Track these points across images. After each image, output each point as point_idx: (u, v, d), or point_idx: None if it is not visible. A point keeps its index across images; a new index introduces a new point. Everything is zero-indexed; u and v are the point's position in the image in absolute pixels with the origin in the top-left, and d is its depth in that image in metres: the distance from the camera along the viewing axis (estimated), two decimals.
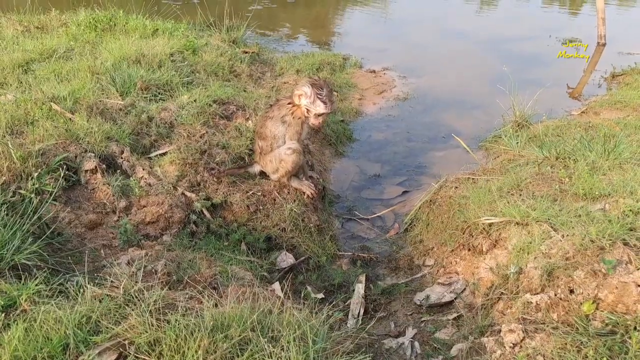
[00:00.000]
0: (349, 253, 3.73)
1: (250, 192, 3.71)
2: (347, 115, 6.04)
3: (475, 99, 6.61)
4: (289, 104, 3.60)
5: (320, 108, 3.52)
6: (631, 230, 2.70)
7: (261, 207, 3.68)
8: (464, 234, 3.31)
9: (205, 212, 3.54)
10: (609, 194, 3.11)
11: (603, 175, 3.34)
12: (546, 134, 4.90)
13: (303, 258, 3.56)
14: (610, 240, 2.52)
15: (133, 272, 2.70)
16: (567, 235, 2.76)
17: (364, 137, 5.70)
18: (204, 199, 3.54)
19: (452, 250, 3.41)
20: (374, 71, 7.55)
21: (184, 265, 2.83)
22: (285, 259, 3.50)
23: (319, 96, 3.48)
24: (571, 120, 5.35)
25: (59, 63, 4.77)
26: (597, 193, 3.13)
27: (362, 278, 3.43)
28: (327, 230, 3.88)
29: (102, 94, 4.19)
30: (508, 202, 3.20)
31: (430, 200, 4.02)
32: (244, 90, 5.53)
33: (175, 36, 6.25)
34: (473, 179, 4.04)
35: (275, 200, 3.75)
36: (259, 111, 4.56)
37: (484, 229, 3.17)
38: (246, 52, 7.21)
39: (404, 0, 12.52)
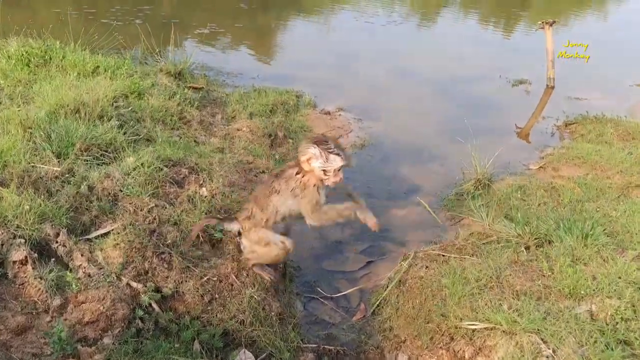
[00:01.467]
0: (314, 345, 3.37)
1: (205, 278, 3.28)
2: None
3: (433, 148, 6.46)
4: (297, 174, 3.29)
5: (337, 161, 3.22)
6: (626, 343, 2.53)
7: (217, 296, 3.26)
8: (442, 335, 3.04)
9: (154, 305, 3.08)
10: (594, 293, 2.95)
11: (584, 266, 3.18)
12: (510, 197, 4.78)
13: (264, 356, 3.16)
14: None
15: None
16: (559, 351, 2.54)
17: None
18: (152, 291, 3.09)
19: (428, 348, 3.13)
20: (328, 112, 7.28)
21: None
22: (245, 359, 3.09)
23: (330, 150, 3.19)
24: (532, 179, 5.27)
25: None
26: (582, 292, 2.96)
27: None
28: (290, 317, 3.51)
29: (36, 155, 3.63)
30: (490, 302, 2.97)
31: (400, 281, 3.74)
32: (195, 141, 5.08)
33: (118, 75, 5.70)
34: (444, 256, 3.81)
35: (232, 285, 3.35)
36: (214, 174, 4.14)
37: (465, 333, 2.91)
38: (194, 88, 6.77)
39: (345, 30, 12.33)
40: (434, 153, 6.37)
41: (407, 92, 8.46)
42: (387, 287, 3.76)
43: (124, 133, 4.35)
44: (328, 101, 7.73)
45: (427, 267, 3.73)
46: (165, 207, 3.55)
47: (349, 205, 3.47)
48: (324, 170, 3.22)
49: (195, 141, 5.05)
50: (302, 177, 3.27)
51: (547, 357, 2.55)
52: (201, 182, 3.93)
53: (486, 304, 2.96)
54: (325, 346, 3.38)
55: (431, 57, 10.47)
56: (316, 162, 3.19)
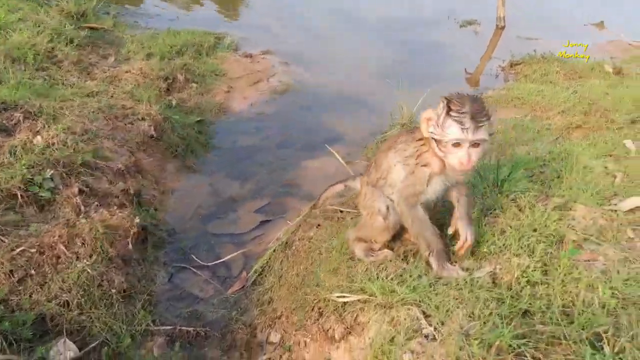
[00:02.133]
0: (168, 327, 2.71)
1: (18, 250, 2.54)
2: (207, 113, 4.93)
3: (364, 95, 5.73)
4: (419, 139, 2.26)
5: (453, 131, 2.02)
6: (527, 315, 1.93)
7: (34, 272, 2.53)
8: (312, 310, 2.40)
9: None
10: (500, 251, 2.33)
11: (494, 218, 2.55)
12: None
13: (92, 345, 2.48)
14: (499, 354, 1.70)
15: None
16: (443, 327, 1.92)
17: (226, 143, 4.64)
18: None
19: (302, 326, 2.50)
20: (250, 55, 6.44)
21: None
22: (64, 352, 2.40)
23: (453, 113, 2.03)
24: None
25: None
26: (485, 250, 2.33)
27: None
28: (142, 292, 2.82)
29: None
30: (370, 267, 2.33)
31: (286, 243, 3.08)
32: (63, 84, 4.24)
33: None
34: (341, 211, 3.16)
35: (59, 258, 2.62)
36: (62, 118, 3.36)
37: (336, 308, 2.27)
38: (91, 28, 5.84)
39: None
40: (365, 100, 5.64)
41: (344, 36, 7.62)
42: (270, 251, 3.10)
43: None
44: (254, 45, 6.88)
45: (318, 225, 3.07)
46: None
47: (440, 238, 2.34)
48: (435, 141, 2.10)
49: (63, 84, 4.20)
50: (422, 145, 2.25)
51: (426, 335, 1.93)
52: (38, 128, 3.14)
53: (365, 270, 2.32)
54: (183, 327, 2.72)
55: None
56: (431, 125, 2.11)
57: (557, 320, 1.88)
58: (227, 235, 3.55)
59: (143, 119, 4.03)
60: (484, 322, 1.89)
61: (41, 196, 2.81)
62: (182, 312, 2.87)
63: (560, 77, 5.76)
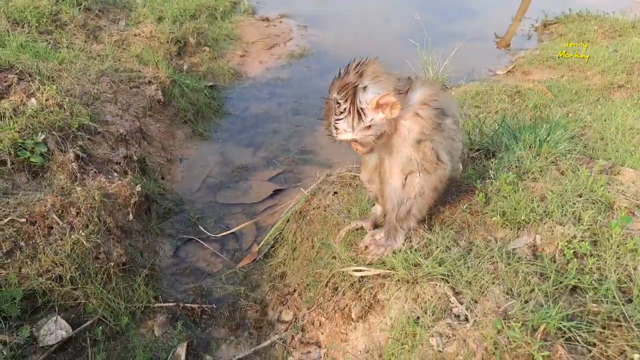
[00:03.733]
0: (171, 304, 2.49)
1: (6, 220, 2.34)
2: (219, 78, 4.67)
3: (386, 57, 5.32)
4: None
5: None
6: (576, 291, 1.64)
7: (23, 244, 2.33)
8: (326, 286, 2.14)
9: None
10: (541, 219, 2.02)
11: (533, 182, 2.23)
12: (463, 105, 3.78)
13: (88, 324, 2.28)
14: (546, 339, 1.41)
15: None
16: (477, 307, 1.64)
17: (238, 109, 4.37)
18: None
19: (317, 303, 2.25)
20: (267, 19, 6.13)
21: None
22: (55, 330, 2.21)
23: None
24: (495, 84, 4.25)
25: None
26: (522, 218, 2.02)
27: (181, 351, 2.23)
28: (143, 266, 2.60)
29: None
30: None
31: (300, 212, 2.82)
32: (66, 47, 4.00)
33: None
34: (358, 177, 2.87)
35: (51, 228, 2.41)
36: (60, 80, 3.13)
37: (352, 284, 2.00)
38: None
39: None
40: (385, 62, 5.26)
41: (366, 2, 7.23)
42: (280, 220, 2.84)
43: None
44: (272, 8, 6.57)
45: (335, 192, 2.79)
46: None
47: None
48: None
49: (67, 47, 3.97)
50: None
51: (457, 315, 1.65)
52: (32, 90, 2.91)
53: None
54: (186, 304, 2.49)
55: None
56: None
57: (614, 298, 1.58)
58: (237, 205, 3.31)
59: (150, 82, 3.78)
60: (525, 301, 1.60)
61: (33, 162, 2.59)
62: (187, 288, 2.65)
63: (599, 35, 5.29)
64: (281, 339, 2.27)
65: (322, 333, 2.17)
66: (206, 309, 2.50)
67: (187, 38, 4.91)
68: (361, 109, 1.72)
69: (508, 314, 1.55)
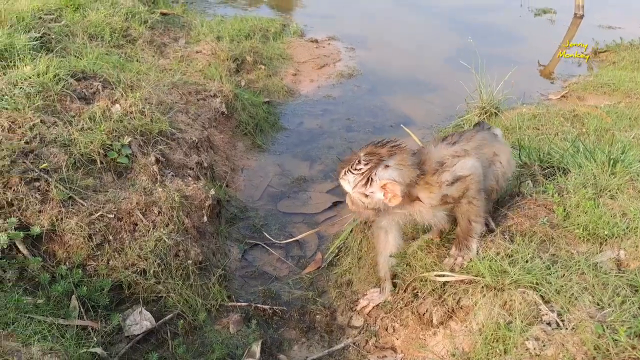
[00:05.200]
0: (244, 304, 2.56)
1: (97, 214, 2.47)
2: (274, 95, 4.82)
3: (433, 78, 5.48)
4: None
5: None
6: None
7: (112, 238, 2.45)
8: (405, 291, 2.19)
9: (20, 246, 2.29)
10: (624, 234, 2.05)
11: (611, 199, 2.26)
12: (521, 126, 3.83)
13: (169, 317, 2.37)
14: None
15: None
16: (567, 315, 1.67)
17: (293, 124, 4.50)
18: (15, 227, 2.29)
19: (391, 309, 2.30)
20: (316, 41, 6.31)
21: None
22: (140, 321, 2.31)
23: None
24: (550, 107, 4.30)
25: None
26: (605, 233, 2.06)
27: (256, 348, 2.30)
28: (216, 266, 2.70)
29: None
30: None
31: (365, 222, 2.89)
32: (137, 61, 4.21)
33: None
34: None
35: (136, 225, 2.53)
36: (139, 89, 3.29)
37: (434, 289, 2.05)
38: (164, 14, 5.85)
39: None
40: (433, 83, 5.39)
41: (410, 21, 7.38)
42: (348, 229, 2.91)
43: (46, 48, 3.53)
44: (320, 30, 6.76)
45: None
46: (56, 125, 2.72)
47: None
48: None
49: (137, 60, 4.18)
50: None
51: (548, 323, 1.69)
52: (116, 97, 3.08)
53: None
54: (258, 305, 2.57)
55: None
56: None
57: None
58: (298, 214, 3.40)
59: (215, 95, 3.94)
60: (620, 311, 1.63)
61: (119, 162, 2.73)
62: (257, 290, 2.73)
63: None
64: (354, 342, 2.32)
65: (397, 338, 2.21)
66: (277, 310, 2.57)
67: (244, 56, 5.10)
68: (372, 179, 1.91)
69: (606, 321, 1.58)
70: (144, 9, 5.37)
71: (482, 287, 1.90)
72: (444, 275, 2.01)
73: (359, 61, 5.85)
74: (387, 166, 1.91)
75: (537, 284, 1.81)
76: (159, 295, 2.42)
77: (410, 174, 1.93)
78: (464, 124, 4.22)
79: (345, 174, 1.98)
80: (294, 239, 3.10)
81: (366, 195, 1.94)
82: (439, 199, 1.99)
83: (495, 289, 1.86)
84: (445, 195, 1.98)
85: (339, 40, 6.48)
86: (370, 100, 5.01)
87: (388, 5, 8.09)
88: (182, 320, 2.36)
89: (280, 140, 4.25)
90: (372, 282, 2.57)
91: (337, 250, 2.95)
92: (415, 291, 2.13)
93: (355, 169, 1.94)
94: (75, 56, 3.64)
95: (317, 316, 2.55)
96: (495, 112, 4.28)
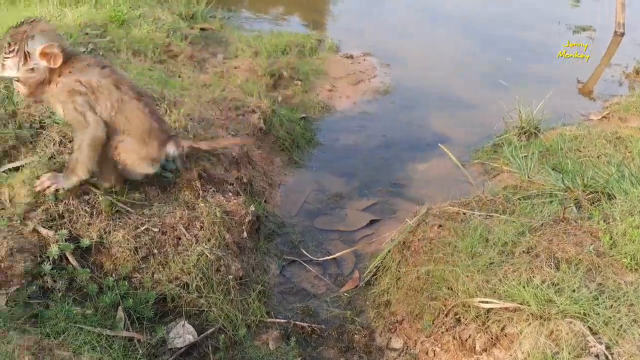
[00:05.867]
0: (283, 321, 2.59)
1: (143, 228, 2.54)
2: (310, 110, 4.87)
3: (470, 96, 5.45)
4: None
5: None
6: None
7: (156, 251, 2.52)
8: (447, 316, 2.19)
9: (70, 258, 2.37)
10: None
11: None
12: (562, 147, 3.78)
13: (210, 331, 2.41)
14: None
15: None
16: (616, 347, 1.64)
17: (329, 140, 4.54)
18: (66, 239, 2.37)
19: (430, 332, 2.29)
20: (351, 56, 6.34)
21: None
22: (182, 334, 2.36)
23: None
24: (592, 128, 4.23)
25: None
26: None
27: None
28: (256, 282, 2.74)
29: None
30: (517, 272, 2.08)
31: (404, 243, 2.89)
32: (179, 77, 4.33)
33: (102, 4, 4.99)
34: (464, 213, 2.92)
35: (179, 239, 2.59)
36: (182, 105, 3.39)
37: (477, 315, 2.04)
38: (203, 29, 6.00)
39: None
40: (470, 101, 5.36)
41: (447, 38, 7.36)
42: (387, 249, 2.92)
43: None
44: (354, 47, 6.78)
45: (440, 226, 2.85)
46: None
47: None
48: None
49: (179, 76, 4.29)
50: None
51: (596, 355, 1.66)
52: (161, 114, 3.17)
53: (510, 275, 2.08)
54: (297, 323, 2.59)
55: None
56: None
57: None
58: (335, 232, 3.42)
59: (253, 111, 4.01)
60: None
61: (164, 177, 2.81)
62: (295, 306, 2.76)
63: None
64: None
65: None
66: (315, 328, 2.59)
67: (281, 72, 5.18)
68: (28, 52, 2.11)
69: None
70: (185, 25, 5.54)
71: (528, 315, 1.88)
72: (488, 302, 2.00)
73: (394, 77, 5.87)
74: (33, 37, 2.11)
75: (584, 314, 1.79)
76: (201, 309, 2.47)
77: (57, 38, 2.20)
78: (502, 143, 4.19)
79: (2, 64, 2.14)
80: (331, 256, 3.12)
81: (33, 70, 2.14)
82: (66, 92, 2.22)
83: (541, 317, 1.84)
84: (72, 91, 2.21)
85: (374, 56, 6.50)
86: (406, 117, 5.01)
87: (421, 20, 8.09)
88: (223, 335, 2.40)
89: (316, 156, 4.29)
90: (411, 304, 2.57)
91: (374, 270, 2.95)
92: (458, 316, 2.12)
93: (9, 53, 2.12)
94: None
95: (356, 336, 2.56)
96: (534, 132, 4.23)
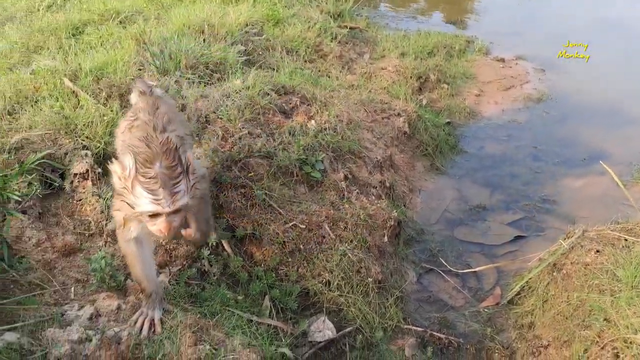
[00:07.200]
0: (419, 329, 2.58)
1: (291, 224, 2.69)
2: (455, 115, 4.74)
3: (636, 109, 4.88)
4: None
5: (145, 203, 1.68)
6: None
7: (302, 247, 2.65)
8: (603, 348, 2.00)
9: (226, 246, 2.59)
10: None
11: None
12: None
13: (348, 330, 2.48)
14: None
15: (83, 337, 1.90)
16: None
17: (473, 148, 4.38)
18: (223, 229, 2.60)
19: None
20: (502, 60, 6.04)
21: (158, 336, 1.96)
22: (323, 329, 2.46)
23: (142, 179, 1.68)
24: None
25: (111, 28, 4.12)
26: None
27: None
28: (393, 287, 2.75)
29: (140, 70, 3.43)
30: None
31: (554, 265, 2.70)
32: (328, 76, 4.48)
33: (260, 2, 5.31)
34: (626, 239, 2.64)
35: (324, 238, 2.70)
36: (332, 106, 3.51)
37: (638, 353, 1.85)
38: (350, 28, 6.12)
39: None
40: (636, 116, 4.80)
41: (613, 45, 6.65)
42: (536, 270, 2.75)
43: (249, 60, 3.96)
44: (506, 49, 6.45)
45: (597, 251, 2.61)
46: (260, 137, 3.02)
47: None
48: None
49: (327, 76, 4.45)
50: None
51: None
52: (312, 113, 3.32)
53: None
54: (434, 332, 2.56)
55: None
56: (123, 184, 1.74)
57: None
58: (476, 244, 3.31)
59: (399, 114, 4.02)
60: None
61: (312, 176, 2.94)
62: (431, 316, 2.73)
63: None
64: None
65: None
66: (453, 341, 2.53)
67: (427, 74, 5.11)
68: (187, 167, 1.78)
69: None
70: (334, 24, 5.69)
71: None
72: None
73: (549, 85, 5.47)
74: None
75: None
76: (340, 307, 2.55)
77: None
78: None
79: (174, 190, 1.69)
80: (472, 269, 3.03)
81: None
82: None
83: None
84: None
85: (528, 60, 6.12)
86: (560, 128, 4.66)
87: (580, 22, 7.41)
88: (360, 335, 2.46)
89: (459, 164, 4.17)
90: (558, 329, 2.40)
91: (519, 289, 2.80)
92: (616, 351, 1.93)
93: (176, 179, 1.71)
94: (273, 69, 3.99)
95: (495, 354, 2.46)
96: None
